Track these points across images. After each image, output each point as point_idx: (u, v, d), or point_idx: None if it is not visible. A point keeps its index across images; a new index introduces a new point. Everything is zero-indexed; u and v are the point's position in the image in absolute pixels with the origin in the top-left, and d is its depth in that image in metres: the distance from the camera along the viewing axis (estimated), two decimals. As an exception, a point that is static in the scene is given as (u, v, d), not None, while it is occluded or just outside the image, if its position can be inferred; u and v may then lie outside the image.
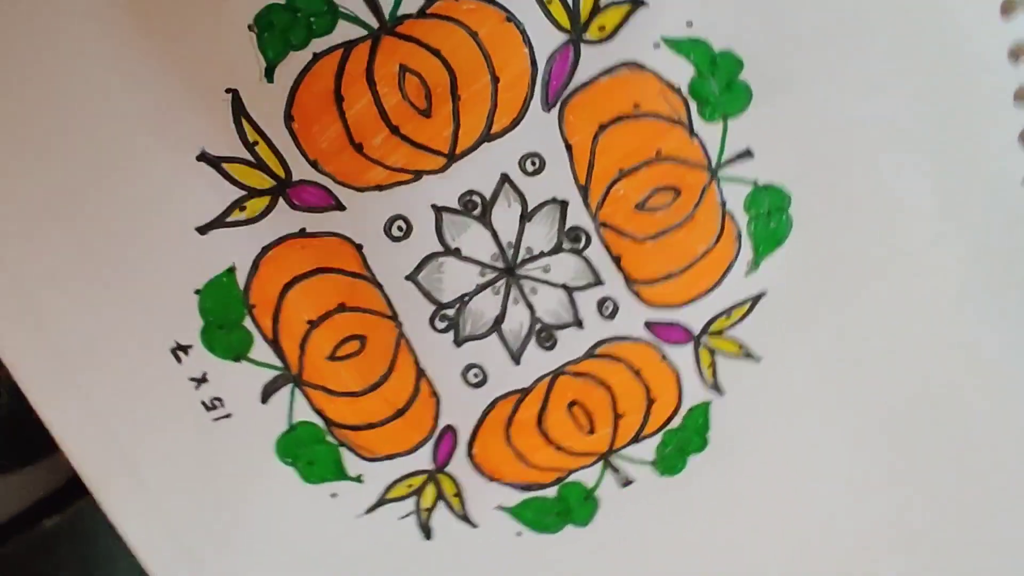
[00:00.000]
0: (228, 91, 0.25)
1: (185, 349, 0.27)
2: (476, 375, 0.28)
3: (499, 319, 0.28)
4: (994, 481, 0.30)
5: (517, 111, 0.26)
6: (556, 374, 0.28)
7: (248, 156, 0.26)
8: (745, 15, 0.26)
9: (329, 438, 0.28)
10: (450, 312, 0.27)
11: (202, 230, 0.26)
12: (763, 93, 0.26)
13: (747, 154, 0.27)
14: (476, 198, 0.27)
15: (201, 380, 0.27)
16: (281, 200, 0.26)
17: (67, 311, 0.26)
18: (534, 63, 0.25)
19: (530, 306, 0.28)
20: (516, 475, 0.29)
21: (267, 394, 0.28)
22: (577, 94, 0.26)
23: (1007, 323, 0.28)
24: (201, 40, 0.24)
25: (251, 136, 0.25)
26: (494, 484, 0.29)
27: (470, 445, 0.29)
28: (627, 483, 0.30)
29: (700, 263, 0.28)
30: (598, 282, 0.28)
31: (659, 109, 0.26)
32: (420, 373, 0.28)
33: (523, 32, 0.25)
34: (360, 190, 0.26)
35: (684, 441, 0.30)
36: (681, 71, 0.26)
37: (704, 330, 0.28)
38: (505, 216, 0.27)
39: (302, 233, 0.26)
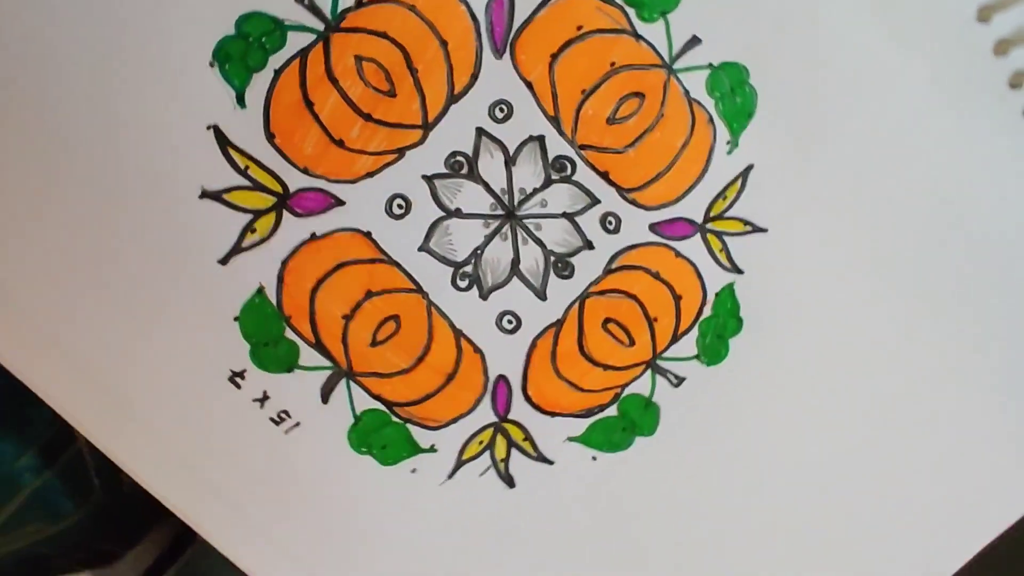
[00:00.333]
0: (209, 127, 0.27)
1: (241, 374, 0.29)
2: (510, 321, 0.30)
3: (515, 262, 0.29)
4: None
5: (472, 66, 0.27)
6: (582, 298, 0.30)
7: (244, 181, 0.27)
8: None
9: (394, 419, 0.30)
10: (468, 269, 0.29)
11: (224, 261, 0.28)
12: (692, -19, 0.28)
13: (695, 41, 0.28)
14: (460, 158, 0.28)
15: (263, 399, 0.29)
16: (285, 213, 0.28)
17: (121, 366, 0.28)
18: (474, 17, 0.27)
19: (539, 242, 0.29)
20: (574, 404, 0.31)
21: (326, 394, 0.29)
22: (522, 33, 0.27)
23: (981, 122, 0.29)
24: (171, 89, 0.26)
25: (241, 162, 0.27)
26: (557, 418, 0.31)
27: (524, 388, 0.30)
28: (680, 382, 0.31)
29: (683, 155, 0.29)
30: (595, 201, 0.29)
31: (601, 24, 0.27)
32: (458, 334, 0.29)
33: (456, -8, 0.27)
34: (354, 182, 0.28)
35: (720, 327, 0.31)
36: (610, -17, 0.27)
37: (706, 217, 0.30)
38: (491, 166, 0.28)
39: (313, 237, 0.28)
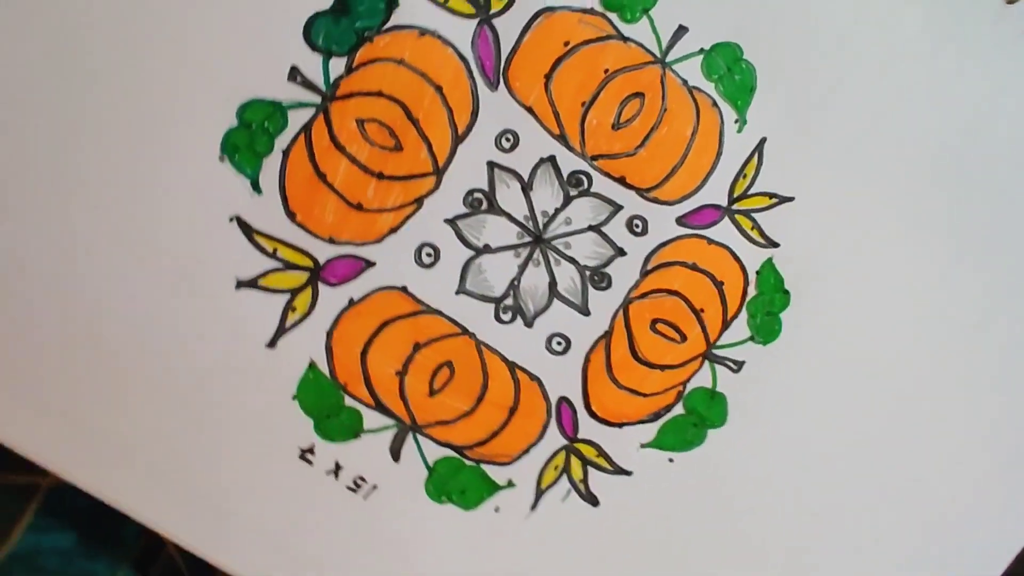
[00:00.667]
0: (231, 219, 0.27)
1: (310, 450, 0.29)
2: (559, 343, 0.30)
3: (552, 285, 0.29)
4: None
5: (470, 104, 0.27)
6: (625, 305, 0.30)
7: (275, 263, 0.28)
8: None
9: (467, 462, 0.30)
10: (508, 301, 0.29)
11: (271, 344, 0.28)
12: (666, -27, 0.28)
13: (682, 30, 0.28)
14: (478, 195, 0.28)
15: (337, 469, 0.29)
16: (320, 285, 0.28)
17: (197, 469, 0.28)
18: (462, 56, 0.27)
19: (571, 260, 0.29)
20: (640, 410, 0.31)
21: (396, 452, 0.29)
22: (512, 61, 0.27)
23: (981, 49, 0.29)
24: (188, 188, 0.27)
25: (269, 246, 0.28)
26: (626, 428, 0.31)
27: (587, 405, 0.30)
28: (740, 366, 0.31)
29: (695, 144, 0.29)
30: (617, 208, 0.29)
31: (586, 35, 0.28)
32: (512, 366, 0.30)
33: (439, 37, 0.27)
34: (380, 241, 0.28)
35: (768, 304, 0.30)
36: (587, -7, 0.27)
37: (731, 199, 0.29)
38: (510, 196, 0.28)
39: (352, 303, 0.28)
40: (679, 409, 0.31)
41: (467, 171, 0.28)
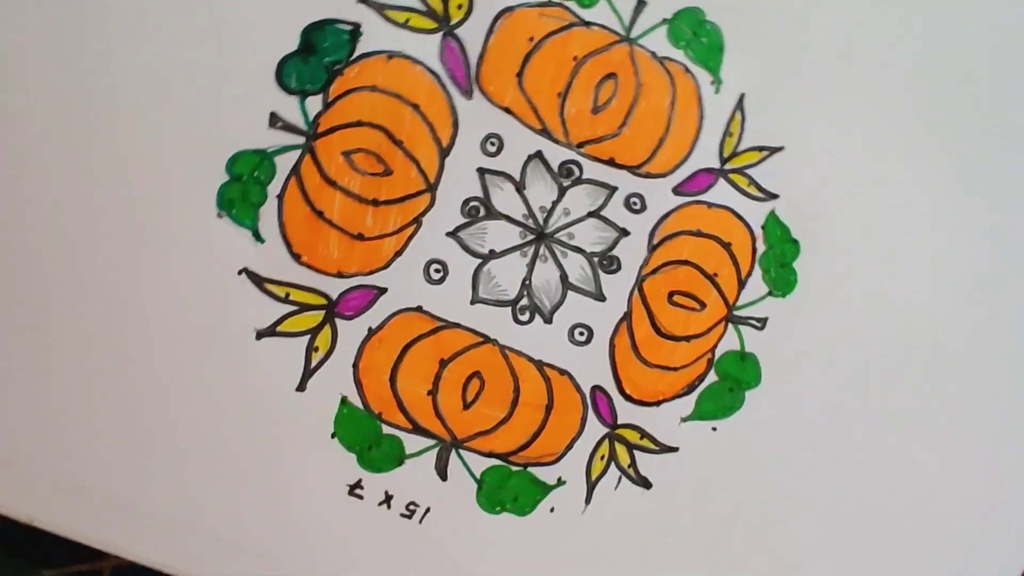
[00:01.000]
0: (240, 272, 0.27)
1: (358, 484, 0.29)
2: (581, 333, 0.30)
3: (563, 278, 0.29)
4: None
5: (449, 115, 0.28)
6: (639, 284, 0.30)
7: (290, 307, 0.28)
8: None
9: (514, 468, 0.30)
10: (524, 302, 0.29)
11: (301, 388, 0.28)
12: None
13: (641, 5, 0.28)
14: (474, 203, 0.29)
15: (387, 499, 0.29)
16: (337, 320, 0.28)
17: (252, 526, 0.29)
18: (432, 71, 0.27)
19: (577, 249, 0.29)
20: (674, 385, 0.31)
21: (442, 470, 0.30)
22: (481, 67, 0.28)
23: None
24: (194, 249, 0.27)
25: (280, 292, 0.28)
26: (664, 405, 0.31)
27: (621, 389, 0.30)
28: (763, 323, 0.31)
29: (676, 112, 0.29)
30: (612, 189, 0.29)
31: (549, 27, 0.28)
32: (539, 365, 0.30)
33: (407, 57, 0.27)
34: (387, 266, 0.28)
35: (779, 256, 0.31)
36: (541, -13, 0.28)
37: (722, 159, 0.30)
38: (505, 198, 0.29)
39: (371, 332, 0.29)
40: (712, 377, 0.31)
41: (459, 182, 0.28)
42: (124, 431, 0.28)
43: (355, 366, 0.29)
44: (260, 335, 0.28)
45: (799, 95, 0.29)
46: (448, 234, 0.28)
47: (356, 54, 0.27)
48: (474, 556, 0.30)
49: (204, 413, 0.28)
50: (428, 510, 0.30)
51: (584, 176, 0.29)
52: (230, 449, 0.28)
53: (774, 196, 0.30)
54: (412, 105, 0.27)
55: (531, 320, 0.29)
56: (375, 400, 0.29)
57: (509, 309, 0.29)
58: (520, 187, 0.29)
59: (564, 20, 0.28)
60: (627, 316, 0.30)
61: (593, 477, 0.31)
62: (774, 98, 0.29)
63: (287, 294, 0.28)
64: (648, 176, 0.29)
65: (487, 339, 0.29)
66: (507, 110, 0.28)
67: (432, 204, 0.28)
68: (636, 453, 0.31)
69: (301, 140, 0.27)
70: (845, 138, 0.30)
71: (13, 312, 0.27)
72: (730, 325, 0.31)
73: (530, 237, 0.29)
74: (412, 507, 0.30)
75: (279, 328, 0.28)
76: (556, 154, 0.29)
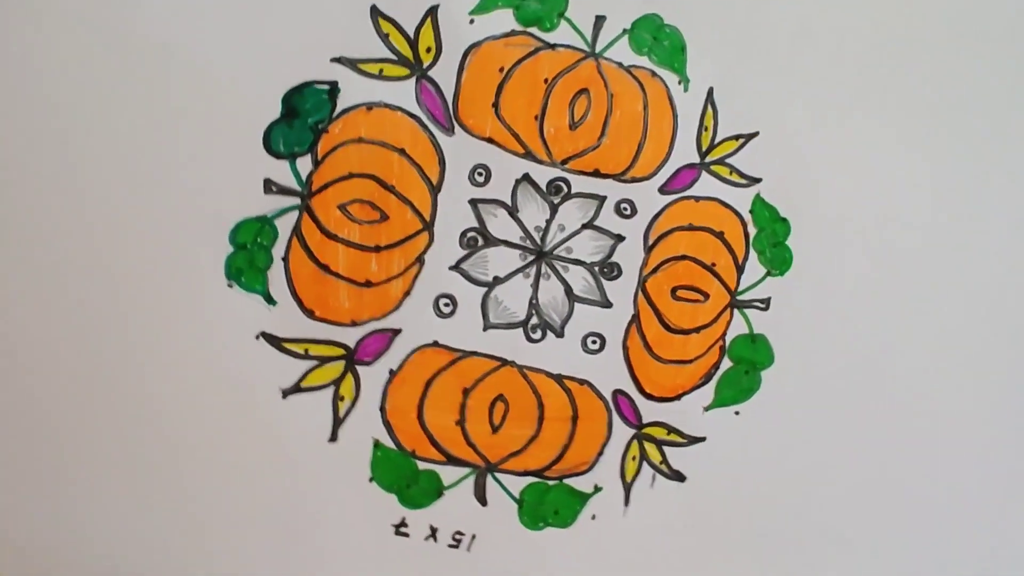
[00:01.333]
0: (258, 336, 0.28)
1: (403, 523, 0.30)
2: (594, 341, 0.31)
3: (568, 291, 0.30)
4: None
5: (435, 154, 0.29)
6: (641, 285, 0.31)
7: (311, 363, 0.29)
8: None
9: (550, 483, 0.31)
10: (534, 320, 0.30)
11: (333, 438, 0.29)
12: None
13: (600, 20, 0.29)
14: (472, 233, 0.29)
15: (433, 532, 0.30)
16: (359, 367, 0.29)
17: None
18: (412, 115, 0.28)
19: (577, 262, 0.30)
20: (692, 377, 0.31)
21: (481, 496, 0.30)
22: (458, 103, 0.29)
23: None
24: (212, 320, 0.28)
25: (299, 349, 0.29)
26: (684, 398, 0.31)
27: (641, 390, 0.31)
28: (767, 304, 0.32)
29: (650, 116, 0.30)
30: (602, 199, 0.30)
31: (516, 55, 0.29)
32: (559, 378, 0.30)
33: (386, 105, 0.28)
34: (398, 307, 0.29)
35: (771, 236, 0.31)
36: (502, 20, 0.29)
37: (701, 153, 0.31)
38: (500, 224, 0.30)
39: (393, 374, 0.29)
40: (727, 363, 0.32)
41: (454, 216, 0.29)
42: (169, 513, 0.28)
43: (382, 408, 0.29)
44: (286, 394, 0.29)
45: (764, 80, 0.30)
46: (451, 267, 0.29)
47: (337, 110, 0.28)
48: (526, 574, 0.31)
49: (241, 478, 0.28)
50: (474, 537, 0.30)
51: (572, 191, 0.30)
52: (273, 509, 0.29)
53: (757, 180, 0.31)
54: (398, 150, 0.28)
55: (544, 337, 0.30)
56: (407, 438, 0.30)
57: (521, 330, 0.30)
58: (513, 211, 0.30)
59: (530, 46, 0.29)
60: (635, 318, 0.31)
61: (628, 479, 0.31)
62: (741, 87, 0.30)
63: (306, 350, 0.29)
64: (634, 181, 0.30)
65: (505, 362, 0.30)
66: (489, 140, 0.29)
67: (431, 241, 0.29)
68: (666, 449, 0.32)
69: (297, 201, 0.28)
70: (816, 111, 0.31)
71: (49, 406, 0.27)
72: (735, 310, 0.32)
73: (530, 258, 0.30)
74: (458, 536, 0.30)
75: (303, 384, 0.29)
76: (542, 174, 0.30)
